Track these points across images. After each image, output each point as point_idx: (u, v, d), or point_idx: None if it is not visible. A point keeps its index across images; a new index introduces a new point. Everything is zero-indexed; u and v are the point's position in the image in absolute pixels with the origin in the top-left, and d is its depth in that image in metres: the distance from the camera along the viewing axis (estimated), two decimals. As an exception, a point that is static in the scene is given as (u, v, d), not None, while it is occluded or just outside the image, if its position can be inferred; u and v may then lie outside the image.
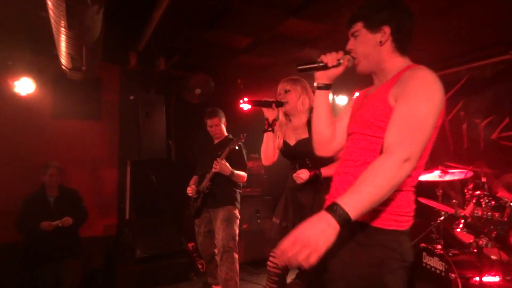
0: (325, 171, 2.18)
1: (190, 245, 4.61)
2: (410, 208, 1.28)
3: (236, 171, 3.23)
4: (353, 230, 1.25)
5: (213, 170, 3.20)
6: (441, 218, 2.94)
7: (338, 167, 1.42)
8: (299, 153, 2.27)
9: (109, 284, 3.85)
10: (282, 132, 2.38)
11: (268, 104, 2.24)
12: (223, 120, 3.57)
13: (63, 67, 3.61)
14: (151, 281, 3.84)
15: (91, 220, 4.13)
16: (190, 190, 3.43)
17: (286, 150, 2.35)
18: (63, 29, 2.34)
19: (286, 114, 2.37)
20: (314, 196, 2.18)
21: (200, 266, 4.43)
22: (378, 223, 1.24)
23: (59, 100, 4.17)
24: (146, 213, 4.52)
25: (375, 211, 1.21)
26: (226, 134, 3.59)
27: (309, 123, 2.22)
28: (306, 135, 2.24)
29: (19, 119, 4.00)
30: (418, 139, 1.16)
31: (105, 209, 4.44)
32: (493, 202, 2.48)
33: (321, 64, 1.43)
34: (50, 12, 2.21)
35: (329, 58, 1.42)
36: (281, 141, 2.38)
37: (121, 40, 3.93)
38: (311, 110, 2.22)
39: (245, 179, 3.39)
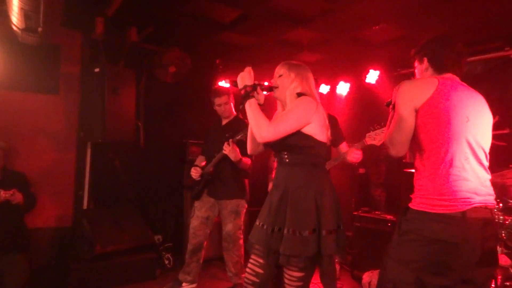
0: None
1: (156, 238, 4.21)
2: None
3: (243, 157, 3.07)
4: None
5: (223, 151, 3.00)
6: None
7: None
8: (277, 145, 1.96)
9: (61, 282, 3.35)
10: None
11: (253, 87, 1.96)
12: (231, 98, 3.35)
13: (14, 27, 3.02)
14: (111, 280, 3.38)
15: (41, 208, 3.63)
16: (195, 172, 3.28)
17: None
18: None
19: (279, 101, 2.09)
20: (284, 195, 1.90)
21: (167, 262, 4.04)
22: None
23: (8, 68, 3.52)
24: (108, 203, 4.02)
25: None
26: (235, 113, 3.40)
27: None
28: None
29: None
30: None
31: (59, 197, 3.87)
32: (500, 205, 2.32)
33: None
34: None
35: None
36: None
37: (86, 2, 3.39)
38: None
39: (251, 166, 3.22)
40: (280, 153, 1.99)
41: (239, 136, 2.96)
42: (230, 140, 2.98)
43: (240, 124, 3.20)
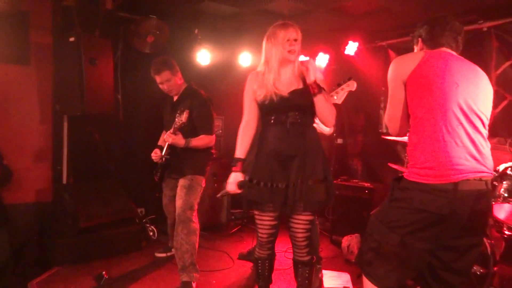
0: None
1: (139, 210, 4.23)
2: None
3: (193, 139, 2.89)
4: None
5: (167, 142, 2.90)
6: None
7: None
8: (294, 105, 2.04)
9: (47, 257, 3.34)
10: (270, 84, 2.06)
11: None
12: (175, 71, 3.03)
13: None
14: (98, 253, 3.40)
15: (19, 184, 3.54)
16: (155, 156, 3.06)
17: (280, 102, 2.04)
18: None
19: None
20: (308, 152, 2.08)
21: (151, 233, 4.09)
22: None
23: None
24: (87, 177, 3.95)
25: None
26: (184, 85, 3.11)
27: (302, 74, 2.07)
28: (301, 86, 2.07)
29: None
30: None
31: (36, 172, 3.77)
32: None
33: None
34: None
35: None
36: (269, 93, 2.06)
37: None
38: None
39: (211, 142, 3.05)
40: (291, 113, 2.03)
41: (176, 128, 2.79)
42: (168, 132, 2.81)
43: (192, 96, 2.97)
